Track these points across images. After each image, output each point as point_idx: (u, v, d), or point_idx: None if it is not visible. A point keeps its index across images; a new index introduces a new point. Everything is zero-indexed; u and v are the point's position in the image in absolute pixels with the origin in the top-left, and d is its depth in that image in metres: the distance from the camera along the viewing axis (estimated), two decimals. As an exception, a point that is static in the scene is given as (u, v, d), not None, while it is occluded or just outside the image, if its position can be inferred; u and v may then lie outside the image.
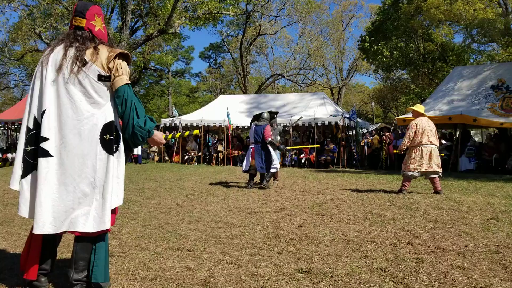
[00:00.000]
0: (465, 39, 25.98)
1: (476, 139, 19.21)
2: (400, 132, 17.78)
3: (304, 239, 4.47)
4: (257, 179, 10.09)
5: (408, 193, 8.24)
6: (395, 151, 12.20)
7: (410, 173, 8.21)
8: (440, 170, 8.28)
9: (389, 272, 3.36)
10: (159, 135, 3.01)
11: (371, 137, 18.24)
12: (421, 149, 8.17)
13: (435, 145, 8.24)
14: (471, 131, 19.10)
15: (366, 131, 19.78)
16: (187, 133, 3.72)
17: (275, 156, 9.57)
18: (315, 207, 6.65)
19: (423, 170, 8.14)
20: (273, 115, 10.44)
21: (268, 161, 9.28)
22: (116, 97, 2.82)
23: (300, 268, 3.43)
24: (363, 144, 17.83)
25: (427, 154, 8.16)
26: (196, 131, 3.69)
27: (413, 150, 8.23)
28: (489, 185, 9.69)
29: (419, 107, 8.61)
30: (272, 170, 9.38)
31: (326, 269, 3.40)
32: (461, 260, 3.66)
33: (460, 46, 26.85)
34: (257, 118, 9.73)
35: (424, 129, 8.16)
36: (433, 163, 8.17)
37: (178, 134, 3.71)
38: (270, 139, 9.29)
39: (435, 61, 27.96)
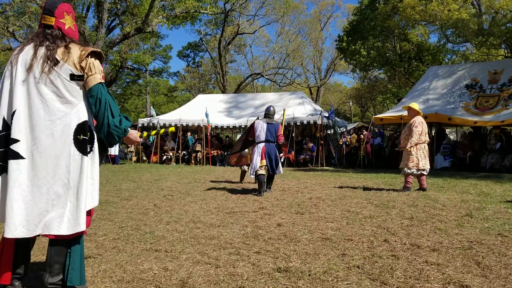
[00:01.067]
0: (440, 39, 26.44)
1: (451, 137, 19.59)
2: (377, 131, 18.03)
3: (282, 238, 4.48)
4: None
5: (386, 191, 8.35)
6: (396, 149, 12.36)
7: (412, 170, 8.36)
8: (429, 167, 8.57)
9: (366, 269, 3.40)
10: (134, 134, 2.97)
11: (349, 136, 18.42)
12: (424, 146, 8.43)
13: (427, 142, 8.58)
14: (446, 130, 19.49)
15: (344, 130, 19.97)
16: (162, 130, 3.67)
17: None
18: (293, 206, 6.68)
19: (421, 167, 8.33)
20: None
21: (278, 162, 8.54)
22: (90, 96, 2.76)
23: (279, 267, 3.44)
24: (341, 143, 17.99)
25: (427, 152, 8.48)
26: (172, 128, 3.65)
27: (418, 148, 8.38)
28: (464, 183, 9.90)
29: (416, 106, 8.83)
30: (281, 171, 8.70)
31: (304, 268, 3.42)
32: (436, 257, 3.73)
33: (435, 46, 27.33)
34: (266, 116, 8.68)
35: (425, 126, 8.49)
36: (428, 161, 8.46)
37: (153, 132, 3.65)
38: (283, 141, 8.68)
39: (411, 60, 28.42)
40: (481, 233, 4.65)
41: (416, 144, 8.32)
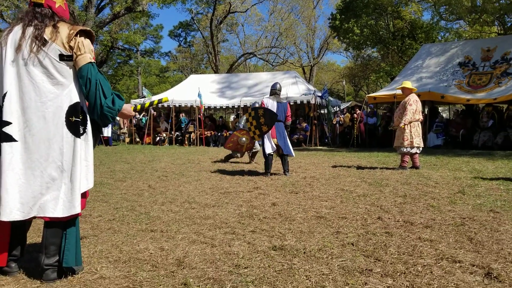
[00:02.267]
0: (433, 16, 26.26)
1: (444, 115, 19.67)
2: (369, 110, 18.03)
3: (277, 217, 4.51)
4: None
5: (379, 170, 8.41)
6: (389, 128, 12.35)
7: (407, 149, 8.40)
8: (422, 145, 8.63)
9: (360, 246, 3.44)
10: (127, 108, 2.93)
11: (342, 115, 18.43)
12: (418, 124, 8.46)
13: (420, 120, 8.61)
14: (439, 108, 19.54)
15: (337, 109, 19.98)
16: (156, 101, 3.54)
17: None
18: (288, 185, 6.71)
19: (415, 145, 8.38)
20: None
21: (288, 142, 8.25)
22: (80, 77, 2.71)
23: (274, 246, 3.47)
24: (334, 123, 18.01)
25: (421, 129, 8.53)
26: (165, 98, 3.52)
27: (411, 126, 8.39)
28: (456, 160, 9.99)
29: (408, 84, 8.80)
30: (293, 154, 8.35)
31: (299, 246, 3.46)
32: (429, 233, 3.78)
33: (429, 24, 27.17)
34: (273, 92, 8.34)
35: (419, 105, 8.51)
36: (421, 139, 8.52)
37: (147, 104, 3.54)
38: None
39: (404, 38, 28.27)
40: (473, 210, 4.71)
41: (410, 122, 8.33)
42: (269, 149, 8.05)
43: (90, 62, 2.72)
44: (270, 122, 7.82)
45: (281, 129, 8.19)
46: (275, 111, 7.96)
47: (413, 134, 8.34)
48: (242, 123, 10.51)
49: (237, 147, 9.63)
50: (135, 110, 3.08)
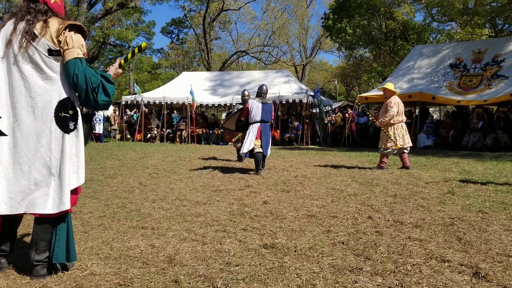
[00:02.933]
0: (426, 17, 26.46)
1: (435, 116, 19.81)
2: (361, 110, 18.11)
3: (268, 216, 4.52)
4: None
5: (370, 169, 8.45)
6: (374, 124, 12.41)
7: (388, 150, 8.48)
8: (411, 144, 8.70)
9: (351, 245, 3.46)
10: (113, 70, 2.96)
11: (334, 115, 18.49)
12: (402, 125, 8.51)
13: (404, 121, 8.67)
14: (430, 109, 19.68)
15: (329, 108, 20.03)
16: (136, 49, 3.38)
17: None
18: (279, 184, 6.72)
19: (407, 145, 8.45)
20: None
21: (269, 143, 8.43)
22: (66, 72, 2.66)
23: (265, 244, 3.48)
24: (326, 122, 18.06)
25: (406, 130, 8.57)
26: (144, 44, 3.38)
27: (393, 128, 8.46)
28: (446, 161, 10.07)
29: (391, 86, 8.82)
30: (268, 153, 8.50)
31: (290, 244, 3.47)
32: (419, 233, 3.81)
33: (421, 25, 27.35)
34: (259, 94, 8.45)
35: (401, 106, 8.53)
36: (408, 139, 8.56)
37: (129, 55, 3.40)
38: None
39: (396, 39, 28.43)
40: (462, 210, 4.75)
41: (390, 125, 8.43)
42: (245, 149, 8.15)
43: (78, 57, 2.66)
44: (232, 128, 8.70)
45: (267, 130, 8.35)
46: (260, 112, 8.16)
47: (397, 135, 8.42)
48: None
49: (233, 136, 9.93)
50: (121, 67, 3.04)
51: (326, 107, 19.33)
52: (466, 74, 15.63)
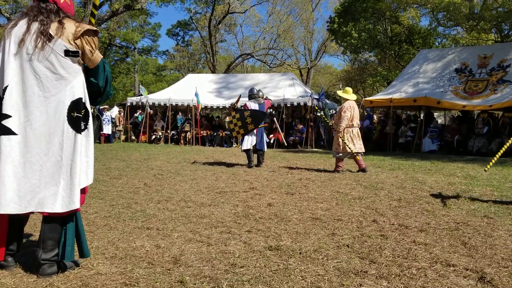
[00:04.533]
0: (431, 22, 26.37)
1: (439, 121, 19.76)
2: (366, 114, 18.10)
3: (273, 218, 4.53)
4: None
5: (374, 173, 8.44)
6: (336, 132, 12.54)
7: (341, 154, 8.65)
8: (363, 150, 8.88)
9: (355, 248, 3.46)
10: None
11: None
12: (352, 130, 8.66)
13: (359, 127, 8.87)
14: (435, 113, 19.63)
15: (334, 112, 20.00)
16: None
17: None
18: (284, 186, 6.73)
19: (354, 150, 8.57)
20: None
21: (263, 138, 9.66)
22: (94, 74, 2.83)
23: (270, 246, 3.49)
24: (331, 125, 18.04)
25: (357, 135, 8.71)
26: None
27: (345, 132, 8.63)
28: (451, 166, 10.04)
29: (348, 91, 9.05)
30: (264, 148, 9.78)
31: (295, 246, 3.48)
32: (424, 237, 3.81)
33: (426, 29, 27.29)
34: (252, 97, 9.75)
35: (355, 112, 8.70)
36: (360, 143, 8.73)
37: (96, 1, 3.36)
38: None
39: (401, 43, 28.38)
40: (467, 215, 4.75)
41: (344, 129, 8.58)
42: (246, 146, 9.40)
43: (102, 58, 2.85)
44: (256, 122, 9.26)
45: (262, 127, 9.55)
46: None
47: (346, 140, 8.54)
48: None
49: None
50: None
51: (331, 111, 19.33)
52: (472, 79, 15.59)
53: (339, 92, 9.16)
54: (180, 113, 20.99)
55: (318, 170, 8.94)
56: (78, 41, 2.69)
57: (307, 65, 44.11)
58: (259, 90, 10.11)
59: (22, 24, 2.70)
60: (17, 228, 2.87)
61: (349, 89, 9.21)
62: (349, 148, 8.48)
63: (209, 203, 5.34)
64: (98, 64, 2.79)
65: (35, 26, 2.67)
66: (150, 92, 25.93)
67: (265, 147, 9.74)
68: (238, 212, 4.79)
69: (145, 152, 13.82)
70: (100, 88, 2.86)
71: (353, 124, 8.63)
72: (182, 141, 18.98)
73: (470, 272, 2.93)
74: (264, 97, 10.64)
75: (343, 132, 8.61)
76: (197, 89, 18.07)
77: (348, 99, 8.82)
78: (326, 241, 3.66)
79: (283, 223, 4.30)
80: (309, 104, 17.38)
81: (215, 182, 7.22)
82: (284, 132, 17.88)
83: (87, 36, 2.72)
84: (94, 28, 2.79)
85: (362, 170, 8.60)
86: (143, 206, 5.09)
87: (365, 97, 18.08)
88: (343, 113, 8.62)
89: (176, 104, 19.71)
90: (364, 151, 8.86)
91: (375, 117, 19.37)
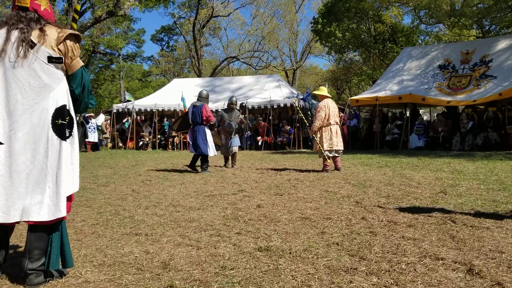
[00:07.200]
0: (414, 20, 26.72)
1: (425, 117, 19.96)
2: (353, 112, 18.22)
3: (262, 219, 4.52)
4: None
5: (362, 171, 8.49)
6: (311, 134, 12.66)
7: (326, 152, 8.64)
8: (343, 148, 8.89)
9: (345, 246, 3.47)
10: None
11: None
12: (330, 128, 8.66)
13: (338, 124, 8.85)
14: (420, 110, 19.83)
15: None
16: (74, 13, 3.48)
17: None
18: (272, 187, 6.73)
19: (334, 148, 8.63)
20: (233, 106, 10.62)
21: (199, 142, 9.18)
22: (73, 81, 2.79)
23: (260, 247, 3.48)
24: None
25: (335, 132, 8.70)
26: (77, 6, 3.48)
27: (323, 131, 8.66)
28: (438, 161, 10.14)
29: (322, 90, 9.07)
30: (211, 154, 9.31)
31: (284, 246, 3.47)
32: (412, 232, 3.83)
33: (409, 27, 27.63)
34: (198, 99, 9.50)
35: (330, 110, 8.68)
36: (339, 142, 8.73)
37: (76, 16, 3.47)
38: (213, 121, 9.33)
39: (385, 42, 28.67)
40: (454, 209, 4.79)
41: (319, 128, 8.65)
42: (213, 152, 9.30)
43: (82, 66, 2.81)
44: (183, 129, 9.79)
45: (197, 131, 9.16)
46: (190, 115, 9.24)
47: (323, 139, 8.60)
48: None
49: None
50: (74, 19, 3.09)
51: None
52: (455, 75, 15.79)
53: (320, 90, 9.13)
54: (165, 118, 20.90)
55: (306, 170, 8.97)
56: (61, 46, 2.67)
57: (293, 66, 44.25)
58: (208, 94, 9.86)
59: (2, 33, 2.66)
60: (3, 239, 2.82)
61: (324, 88, 9.24)
62: (322, 149, 8.54)
63: (198, 206, 5.32)
64: (77, 71, 2.75)
65: (15, 34, 2.64)
66: (136, 98, 25.81)
67: (207, 152, 9.18)
68: (227, 215, 4.77)
69: (132, 158, 13.72)
70: (76, 96, 2.83)
71: (330, 123, 8.62)
72: (170, 146, 18.90)
73: (458, 265, 2.95)
74: (236, 103, 10.87)
75: (321, 131, 8.64)
76: (183, 94, 18.01)
77: (324, 97, 8.81)
78: (316, 240, 3.67)
79: (272, 224, 4.30)
80: (296, 104, 17.43)
81: (204, 185, 7.19)
82: (271, 134, 17.91)
83: (68, 41, 2.69)
84: (77, 33, 2.76)
85: (337, 169, 8.68)
86: (131, 212, 5.04)
87: (351, 97, 18.16)
88: (317, 113, 8.67)
89: (162, 110, 19.62)
90: (342, 149, 8.84)
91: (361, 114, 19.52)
